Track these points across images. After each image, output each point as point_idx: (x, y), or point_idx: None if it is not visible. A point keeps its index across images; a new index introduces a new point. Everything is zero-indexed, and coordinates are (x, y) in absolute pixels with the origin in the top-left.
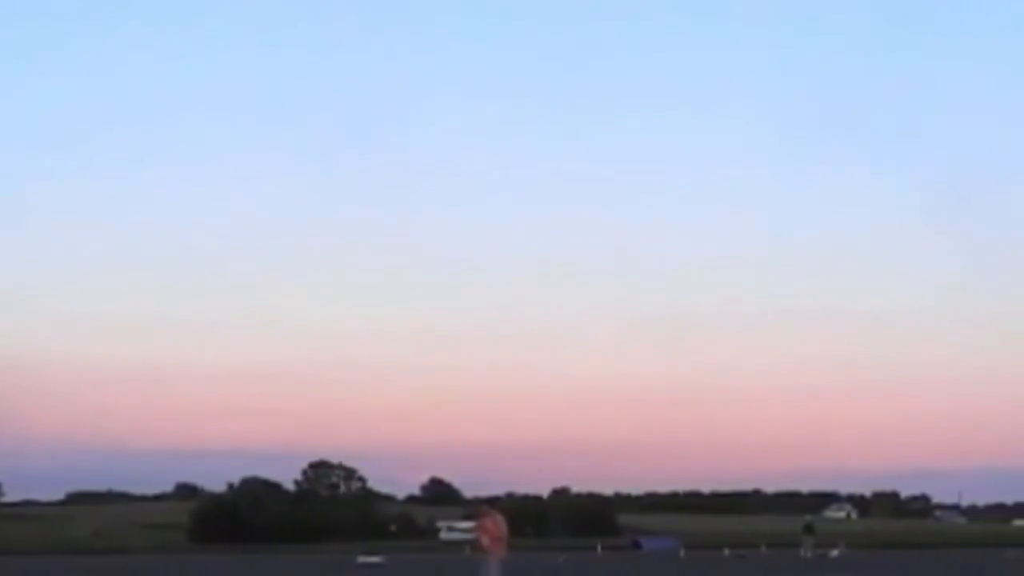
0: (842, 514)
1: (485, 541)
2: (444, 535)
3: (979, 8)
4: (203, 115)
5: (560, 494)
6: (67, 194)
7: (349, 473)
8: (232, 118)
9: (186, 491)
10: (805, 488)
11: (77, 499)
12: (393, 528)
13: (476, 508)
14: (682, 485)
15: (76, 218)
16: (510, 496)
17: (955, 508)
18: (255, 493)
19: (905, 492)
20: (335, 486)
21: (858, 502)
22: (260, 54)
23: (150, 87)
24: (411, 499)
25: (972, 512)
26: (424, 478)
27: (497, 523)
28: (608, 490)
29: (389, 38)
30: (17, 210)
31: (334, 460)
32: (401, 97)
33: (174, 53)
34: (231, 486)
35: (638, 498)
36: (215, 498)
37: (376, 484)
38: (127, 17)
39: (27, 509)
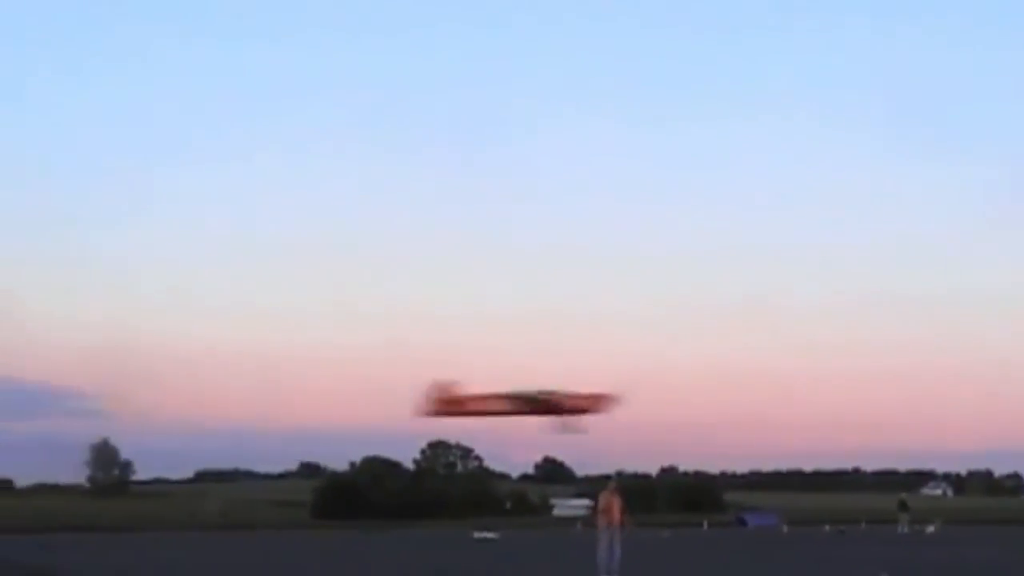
0: (938, 492)
1: (618, 515)
2: (557, 511)
3: None
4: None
5: (668, 472)
6: (182, 189)
7: (465, 452)
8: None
9: (310, 469)
10: (902, 467)
11: (205, 477)
12: (507, 505)
13: (608, 484)
14: (784, 464)
15: (204, 209)
16: (620, 474)
17: None
18: (375, 471)
19: (999, 471)
20: (452, 465)
21: (953, 480)
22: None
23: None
24: (524, 477)
25: None
26: (538, 457)
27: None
28: (714, 468)
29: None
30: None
31: (451, 440)
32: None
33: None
34: (353, 464)
35: (742, 476)
36: (337, 476)
37: (491, 463)
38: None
39: (158, 487)
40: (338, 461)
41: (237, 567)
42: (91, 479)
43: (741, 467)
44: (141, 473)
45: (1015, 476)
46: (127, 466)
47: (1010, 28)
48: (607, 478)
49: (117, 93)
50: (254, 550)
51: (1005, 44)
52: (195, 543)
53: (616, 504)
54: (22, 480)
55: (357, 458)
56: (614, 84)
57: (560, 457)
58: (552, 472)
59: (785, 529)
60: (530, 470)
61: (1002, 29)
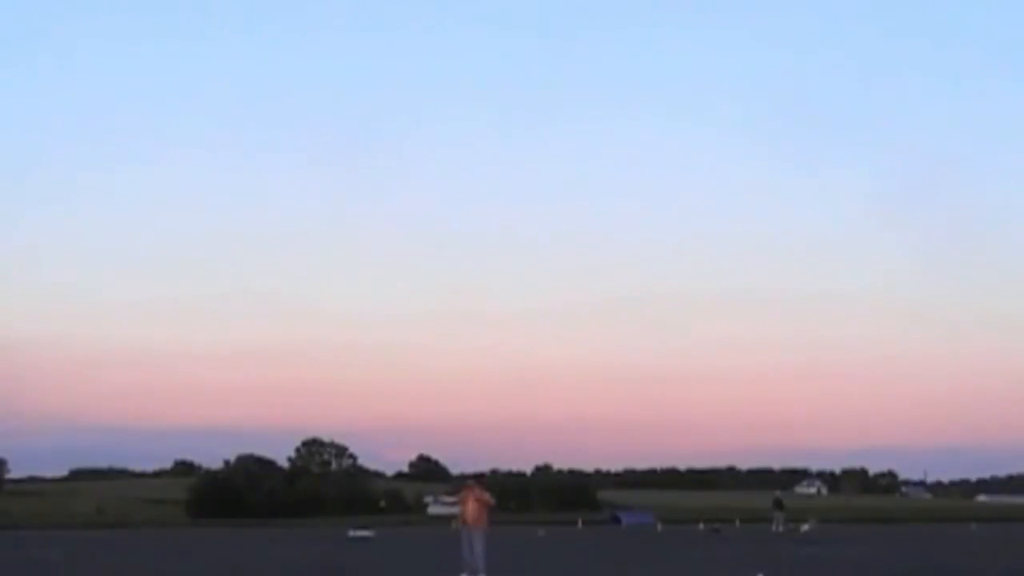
0: (812, 490)
1: (476, 513)
2: (431, 510)
3: (929, 16)
4: (200, 111)
5: (542, 470)
6: (71, 184)
7: (340, 451)
8: (229, 115)
9: (184, 468)
10: (777, 465)
11: (79, 475)
12: (382, 503)
13: (463, 483)
14: (659, 462)
15: (76, 206)
16: (494, 472)
17: (921, 484)
18: (250, 470)
19: (873, 469)
20: (327, 463)
21: (828, 478)
22: (259, 56)
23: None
24: (400, 475)
25: (937, 488)
26: (412, 455)
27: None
28: (588, 467)
29: (374, 43)
30: (20, 196)
31: (326, 438)
32: (384, 99)
33: (180, 57)
34: (227, 463)
35: (617, 475)
36: (212, 474)
37: (366, 461)
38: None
39: (31, 485)
40: (212, 459)
41: (115, 565)
42: None
43: (616, 465)
44: (15, 471)
45: (889, 474)
46: (0, 464)
47: (891, 37)
48: (476, 477)
49: None
50: (130, 548)
51: (885, 52)
52: (70, 541)
53: (479, 500)
54: None
55: (231, 456)
56: (489, 84)
57: (434, 455)
58: (427, 470)
59: (660, 527)
60: (404, 468)
61: (884, 38)
